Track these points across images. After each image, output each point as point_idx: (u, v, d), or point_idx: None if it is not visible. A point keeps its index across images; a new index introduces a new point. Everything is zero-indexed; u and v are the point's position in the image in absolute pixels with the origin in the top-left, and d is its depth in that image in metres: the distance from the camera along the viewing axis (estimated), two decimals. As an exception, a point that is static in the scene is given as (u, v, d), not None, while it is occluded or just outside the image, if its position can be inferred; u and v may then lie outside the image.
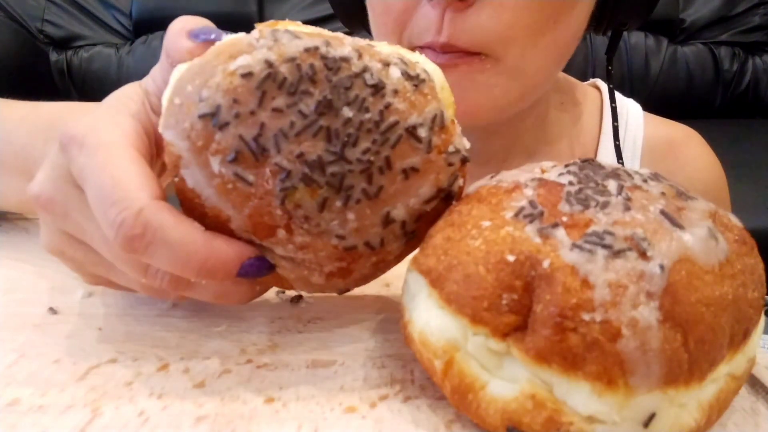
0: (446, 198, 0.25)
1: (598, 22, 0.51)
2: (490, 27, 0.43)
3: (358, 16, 0.53)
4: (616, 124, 0.57)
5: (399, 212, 0.24)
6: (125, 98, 0.28)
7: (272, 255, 0.25)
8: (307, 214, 0.23)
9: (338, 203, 0.23)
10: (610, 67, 0.57)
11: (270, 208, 0.23)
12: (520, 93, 0.48)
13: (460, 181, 0.26)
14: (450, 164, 0.25)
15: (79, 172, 0.25)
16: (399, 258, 0.26)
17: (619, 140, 0.57)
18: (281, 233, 0.24)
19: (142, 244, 0.23)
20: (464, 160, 0.25)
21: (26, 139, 0.37)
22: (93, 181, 0.24)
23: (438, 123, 0.24)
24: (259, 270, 0.25)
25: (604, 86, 0.64)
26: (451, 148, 0.24)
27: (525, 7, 0.43)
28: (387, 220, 0.24)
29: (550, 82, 0.53)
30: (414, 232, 0.25)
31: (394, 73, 0.23)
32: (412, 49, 0.44)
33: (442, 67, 0.36)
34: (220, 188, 0.23)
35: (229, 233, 0.25)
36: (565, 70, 0.60)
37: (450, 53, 0.44)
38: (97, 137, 0.25)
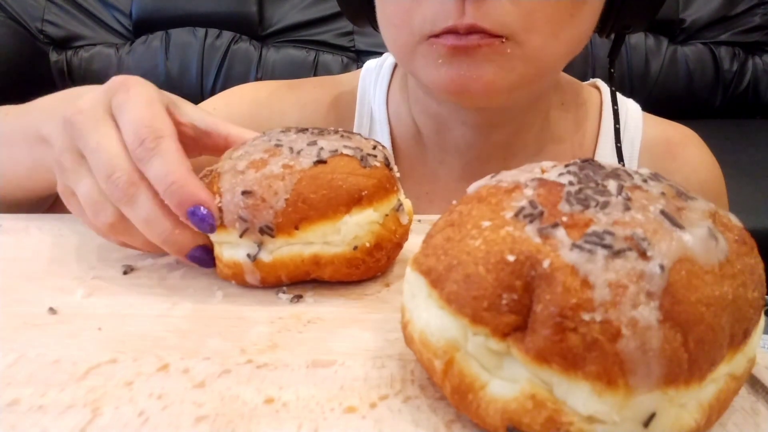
0: (360, 158, 0.34)
1: (602, 23, 0.51)
2: (512, 11, 0.43)
3: (364, 13, 0.53)
4: (618, 126, 0.57)
5: (324, 143, 0.34)
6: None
7: None
8: (273, 133, 0.36)
9: (292, 132, 0.36)
10: (612, 70, 0.57)
11: None
12: (535, 78, 0.49)
13: (376, 164, 0.34)
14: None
15: (119, 104, 0.34)
16: (302, 172, 0.32)
17: (620, 143, 0.57)
18: None
19: (148, 154, 0.32)
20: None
21: (37, 114, 0.47)
22: (133, 111, 0.33)
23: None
24: (202, 219, 0.32)
25: (604, 86, 0.64)
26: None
27: None
28: (312, 143, 0.34)
29: (557, 72, 0.54)
30: (324, 161, 0.33)
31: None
32: (426, 38, 0.45)
33: (464, 49, 0.45)
34: None
35: None
36: (565, 70, 0.60)
37: (474, 34, 0.44)
38: (142, 89, 0.35)
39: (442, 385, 0.23)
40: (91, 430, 0.23)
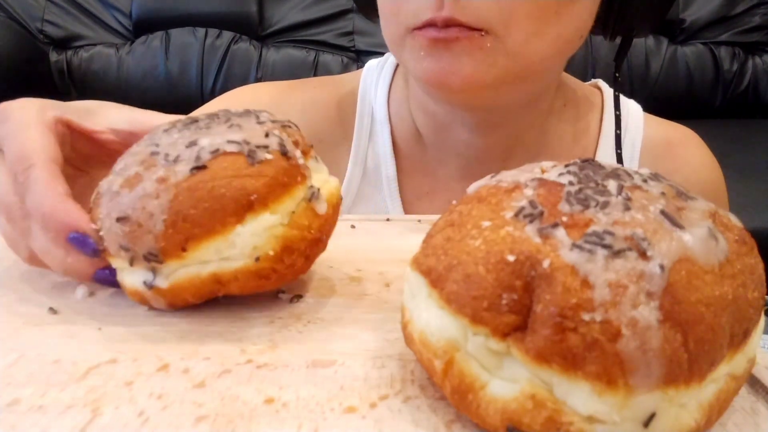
0: (247, 154, 0.29)
1: (604, 25, 0.51)
2: (491, 6, 0.43)
3: (370, 5, 0.53)
4: (618, 131, 0.57)
5: (205, 141, 0.29)
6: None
7: None
8: (157, 133, 0.32)
9: (176, 128, 0.32)
10: (617, 74, 0.57)
11: None
12: (520, 75, 0.48)
13: (268, 156, 0.29)
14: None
15: (1, 139, 0.33)
16: (177, 186, 0.28)
17: (621, 149, 0.56)
18: None
19: (23, 187, 0.31)
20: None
21: None
22: (7, 143, 0.32)
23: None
24: (82, 245, 0.30)
25: (605, 87, 0.64)
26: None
27: None
28: (193, 144, 0.29)
29: (552, 75, 0.53)
30: (203, 167, 0.28)
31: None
32: (411, 30, 0.45)
33: (444, 41, 0.44)
34: None
35: None
36: (565, 70, 0.60)
37: (452, 27, 0.44)
38: (20, 114, 0.33)
39: (442, 385, 0.23)
40: (91, 430, 0.23)
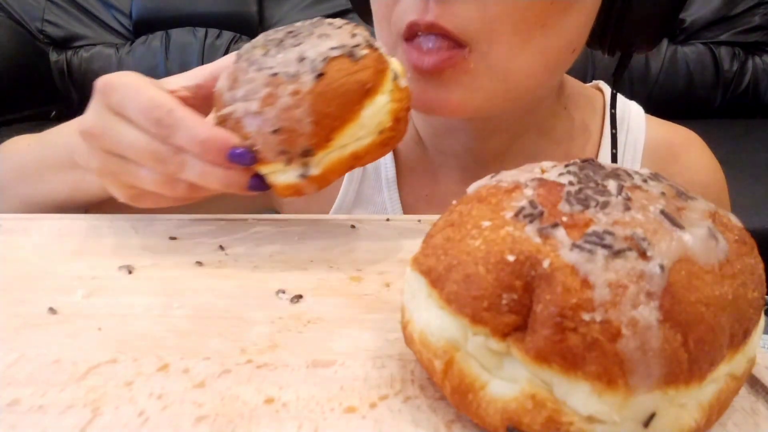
0: (349, 55, 0.35)
1: (601, 40, 0.50)
2: (475, 16, 0.42)
3: (367, 8, 0.53)
4: (614, 131, 0.56)
5: (311, 54, 0.35)
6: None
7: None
8: (256, 59, 0.37)
9: (274, 50, 0.36)
10: (614, 90, 0.55)
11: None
12: (506, 97, 0.47)
13: (364, 51, 0.36)
14: (354, 35, 0.37)
15: (117, 102, 0.37)
16: (311, 93, 0.34)
17: (617, 149, 0.56)
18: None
19: (171, 129, 0.35)
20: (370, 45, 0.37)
21: (67, 137, 0.49)
22: (133, 104, 0.36)
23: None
24: (243, 157, 0.35)
25: (606, 89, 0.64)
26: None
27: (511, 4, 0.42)
28: (302, 59, 0.35)
29: (543, 90, 0.52)
30: (323, 74, 0.35)
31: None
32: (400, 37, 0.46)
33: (429, 73, 0.46)
34: None
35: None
36: (566, 72, 0.60)
37: (436, 35, 0.43)
38: (123, 80, 0.38)
39: (442, 385, 0.23)
40: (91, 430, 0.23)
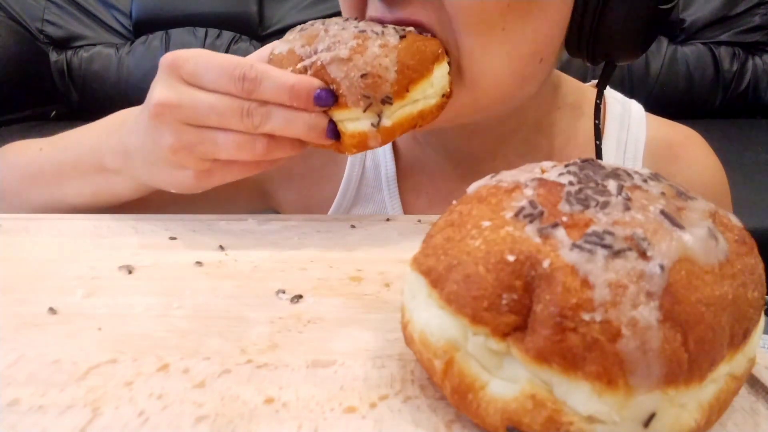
0: (419, 32, 0.42)
1: (577, 50, 0.48)
2: (433, 15, 0.43)
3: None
4: (598, 143, 0.55)
5: (385, 29, 0.41)
6: None
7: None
8: (332, 25, 0.42)
9: (347, 23, 0.41)
10: (598, 101, 0.54)
11: None
12: (476, 106, 0.47)
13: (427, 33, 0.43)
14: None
15: (191, 72, 0.39)
16: (396, 48, 0.39)
17: (600, 140, 0.55)
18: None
19: (256, 82, 0.38)
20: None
21: (95, 139, 0.50)
22: (210, 69, 0.39)
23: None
24: (327, 97, 0.38)
25: (607, 89, 0.63)
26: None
27: (466, 3, 0.42)
28: (381, 29, 0.41)
29: (514, 101, 0.50)
30: (404, 36, 0.40)
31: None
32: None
33: None
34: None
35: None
36: (564, 71, 0.60)
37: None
38: (192, 52, 0.40)
39: (442, 385, 0.23)
40: (91, 430, 0.23)
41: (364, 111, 0.39)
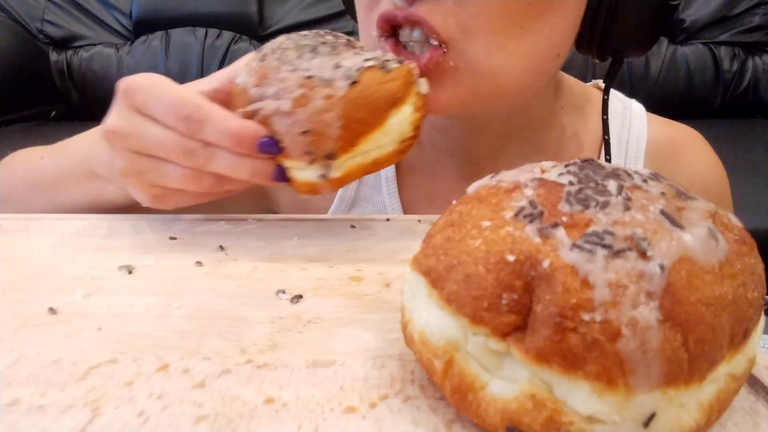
0: (381, 66, 0.37)
1: (588, 46, 0.49)
2: (451, 13, 0.42)
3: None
4: (607, 137, 0.55)
5: (347, 63, 0.37)
6: None
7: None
8: (290, 59, 0.38)
9: (308, 55, 0.38)
10: (606, 97, 0.55)
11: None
12: (490, 96, 0.47)
13: (395, 65, 0.38)
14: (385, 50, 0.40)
15: (142, 103, 0.38)
16: (343, 99, 0.36)
17: (610, 155, 0.56)
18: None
19: (201, 123, 0.36)
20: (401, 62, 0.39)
21: (88, 148, 0.50)
22: (159, 103, 0.37)
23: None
24: (271, 147, 0.37)
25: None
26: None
27: (487, 3, 0.42)
28: (338, 66, 0.37)
29: (528, 92, 0.51)
30: (357, 81, 0.36)
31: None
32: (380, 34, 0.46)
33: (419, 74, 0.43)
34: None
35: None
36: (565, 71, 0.60)
37: (414, 27, 0.43)
38: (147, 81, 0.39)
39: (442, 385, 0.23)
40: (91, 430, 0.23)
41: (310, 165, 0.37)
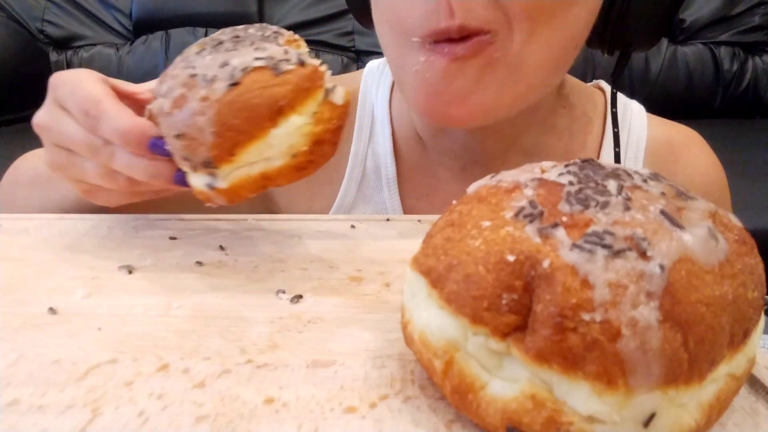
0: (273, 67, 0.33)
1: (601, 37, 0.50)
2: (491, 7, 0.42)
3: (365, 11, 0.53)
4: (616, 130, 0.56)
5: (235, 61, 0.33)
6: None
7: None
8: (187, 56, 0.36)
9: (207, 51, 0.35)
10: (614, 90, 0.56)
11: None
12: (520, 93, 0.47)
13: (290, 67, 0.33)
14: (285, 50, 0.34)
15: (61, 98, 0.38)
16: (219, 102, 0.32)
17: (620, 147, 0.56)
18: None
19: (96, 120, 0.36)
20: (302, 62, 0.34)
21: None
22: (71, 98, 0.37)
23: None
24: (161, 148, 0.35)
25: (607, 88, 0.63)
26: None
27: None
28: (225, 64, 0.33)
29: (547, 87, 0.52)
30: (237, 83, 0.32)
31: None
32: (419, 44, 0.45)
33: (462, 59, 0.44)
34: None
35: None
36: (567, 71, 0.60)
37: (466, 39, 0.43)
38: (69, 76, 0.39)
39: (442, 385, 0.23)
40: (91, 430, 0.23)
41: (194, 171, 0.34)
